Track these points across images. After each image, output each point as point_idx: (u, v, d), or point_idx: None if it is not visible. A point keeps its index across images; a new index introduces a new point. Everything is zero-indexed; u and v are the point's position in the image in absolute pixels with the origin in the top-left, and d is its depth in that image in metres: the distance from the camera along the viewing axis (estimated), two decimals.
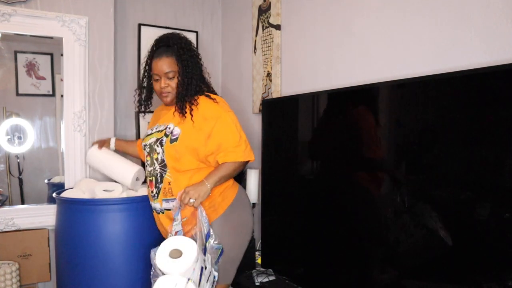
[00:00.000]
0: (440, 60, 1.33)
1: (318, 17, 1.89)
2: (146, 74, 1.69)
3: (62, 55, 2.13)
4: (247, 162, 1.62)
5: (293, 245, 1.87)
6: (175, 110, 1.60)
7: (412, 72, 1.41)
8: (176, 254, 1.35)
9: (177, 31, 1.69)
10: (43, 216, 2.10)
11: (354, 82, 1.66)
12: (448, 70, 1.26)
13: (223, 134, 1.55)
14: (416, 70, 1.40)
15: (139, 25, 2.46)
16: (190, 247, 1.35)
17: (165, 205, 1.59)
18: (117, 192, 1.81)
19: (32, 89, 2.32)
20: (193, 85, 1.60)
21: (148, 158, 1.63)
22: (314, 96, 1.76)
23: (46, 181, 2.34)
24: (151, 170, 1.62)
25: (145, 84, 1.72)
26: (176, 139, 1.55)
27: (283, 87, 2.13)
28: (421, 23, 1.40)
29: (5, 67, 2.26)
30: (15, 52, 2.27)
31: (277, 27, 2.15)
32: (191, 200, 1.47)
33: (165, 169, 1.57)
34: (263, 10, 2.26)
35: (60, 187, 2.12)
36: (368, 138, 1.52)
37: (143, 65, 1.69)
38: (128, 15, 2.45)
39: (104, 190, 1.81)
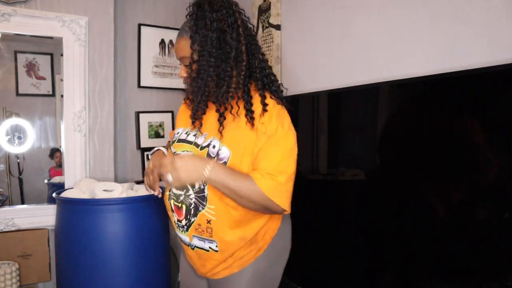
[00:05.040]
0: (440, 60, 1.33)
1: (318, 17, 1.89)
2: None
3: (62, 55, 2.13)
4: (275, 211, 1.15)
5: (293, 245, 1.87)
6: (219, 115, 1.15)
7: (412, 72, 1.41)
8: None
9: None
10: (43, 216, 2.10)
11: (354, 82, 1.66)
12: (448, 70, 1.26)
13: (273, 152, 1.12)
14: (416, 70, 1.40)
15: (139, 25, 2.46)
16: None
17: (198, 243, 1.22)
18: (117, 192, 1.81)
19: (32, 89, 2.31)
20: (222, 76, 1.13)
21: None
22: (314, 96, 1.76)
23: (46, 181, 2.34)
24: (179, 195, 1.21)
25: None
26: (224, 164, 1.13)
27: (283, 87, 2.13)
28: (421, 23, 1.40)
29: (5, 67, 2.25)
30: (15, 52, 2.27)
31: (277, 27, 2.15)
32: (169, 178, 1.07)
33: (203, 203, 1.16)
34: (263, 10, 2.26)
35: (60, 187, 2.12)
36: (367, 137, 1.52)
37: None
38: (128, 15, 2.45)
39: (104, 190, 1.81)
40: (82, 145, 2.13)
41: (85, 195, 1.83)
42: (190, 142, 1.22)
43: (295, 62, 2.05)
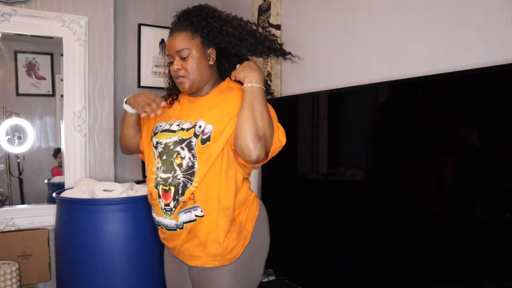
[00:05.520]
0: (440, 60, 1.33)
1: (318, 17, 1.89)
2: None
3: (62, 55, 2.13)
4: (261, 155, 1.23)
5: (293, 244, 1.87)
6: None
7: (412, 72, 1.41)
8: None
9: (204, 3, 1.41)
10: (43, 216, 2.10)
11: (354, 82, 1.66)
12: (448, 70, 1.26)
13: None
14: (416, 70, 1.40)
15: (139, 25, 2.46)
16: None
17: (184, 217, 1.27)
18: (117, 192, 1.82)
19: (32, 89, 2.31)
20: (222, 67, 1.34)
21: (159, 160, 1.31)
22: (314, 96, 1.76)
23: (46, 181, 2.34)
24: (167, 178, 1.27)
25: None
26: (208, 139, 1.24)
27: (283, 87, 2.13)
28: (421, 23, 1.40)
29: (5, 67, 2.26)
30: (15, 52, 2.27)
31: (277, 27, 2.15)
32: (240, 75, 1.25)
33: (192, 178, 1.25)
34: (263, 10, 2.26)
35: (60, 187, 2.12)
36: (367, 137, 1.52)
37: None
38: (128, 15, 2.45)
39: (104, 190, 1.81)
40: (82, 145, 2.13)
41: (85, 195, 1.83)
42: (173, 131, 1.31)
43: (295, 62, 2.05)
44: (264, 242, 1.41)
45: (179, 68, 1.30)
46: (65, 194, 1.84)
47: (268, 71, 2.22)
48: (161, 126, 1.36)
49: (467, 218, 1.17)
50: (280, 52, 1.42)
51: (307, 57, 1.96)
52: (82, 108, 2.12)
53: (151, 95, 1.38)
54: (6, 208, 2.09)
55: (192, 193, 1.25)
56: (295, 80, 2.05)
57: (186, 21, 1.33)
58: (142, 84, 2.47)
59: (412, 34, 1.43)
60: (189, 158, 1.25)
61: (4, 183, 2.26)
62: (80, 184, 1.96)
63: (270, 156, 1.30)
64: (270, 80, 2.20)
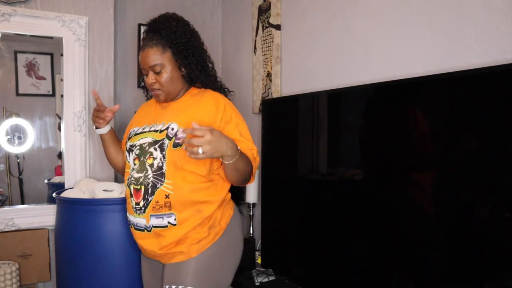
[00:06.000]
0: (440, 60, 1.33)
1: (318, 17, 1.89)
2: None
3: (62, 55, 2.13)
4: (248, 180, 1.37)
5: (293, 245, 1.87)
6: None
7: (412, 72, 1.41)
8: None
9: (171, 12, 1.46)
10: (43, 216, 2.10)
11: (354, 82, 1.66)
12: (448, 70, 1.26)
13: (233, 138, 1.28)
14: (416, 70, 1.40)
15: (139, 25, 2.46)
16: None
17: (155, 221, 1.30)
18: (117, 192, 1.82)
19: (32, 89, 2.31)
20: (189, 79, 1.41)
21: (136, 162, 1.35)
22: (314, 96, 1.76)
23: (46, 181, 2.34)
24: (138, 177, 1.33)
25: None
26: (180, 144, 1.28)
27: (283, 87, 2.13)
28: (421, 23, 1.40)
29: (5, 67, 2.26)
30: (15, 52, 2.27)
31: (277, 27, 2.15)
32: (200, 151, 1.10)
33: (162, 179, 1.29)
34: (263, 10, 2.26)
35: (60, 187, 2.12)
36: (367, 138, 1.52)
37: None
38: (128, 15, 2.45)
39: (104, 190, 1.81)
40: (82, 145, 2.13)
41: (85, 195, 1.83)
42: (145, 131, 1.39)
43: (295, 62, 2.05)
44: (238, 243, 1.44)
45: (153, 82, 1.36)
46: (65, 194, 1.84)
47: (268, 71, 2.22)
48: (134, 130, 1.44)
49: (467, 218, 1.17)
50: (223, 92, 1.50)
51: (307, 57, 1.96)
52: (82, 108, 2.12)
53: (95, 108, 1.52)
54: (6, 208, 2.09)
55: (167, 195, 1.28)
56: (295, 80, 2.05)
57: (155, 33, 1.37)
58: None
59: (412, 34, 1.43)
60: (160, 159, 1.30)
61: (4, 183, 2.26)
62: (80, 184, 1.96)
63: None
64: (270, 81, 2.20)
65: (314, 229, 1.73)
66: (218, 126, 1.29)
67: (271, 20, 2.20)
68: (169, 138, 1.30)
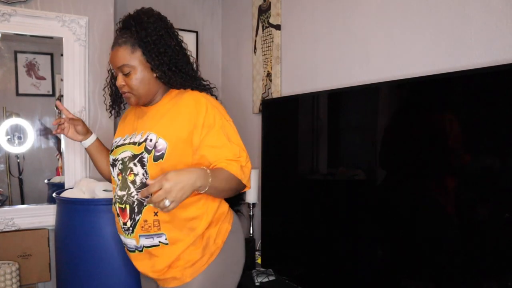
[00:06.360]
0: (440, 60, 1.33)
1: (318, 17, 1.89)
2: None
3: (62, 55, 2.13)
4: (242, 188, 1.23)
5: (293, 245, 1.87)
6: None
7: (412, 72, 1.41)
8: None
9: (147, 7, 1.30)
10: (43, 216, 2.10)
11: (354, 82, 1.66)
12: (448, 70, 1.26)
13: (216, 146, 1.18)
14: (416, 70, 1.40)
15: None
16: None
17: (146, 242, 1.20)
18: None
19: (32, 89, 2.31)
20: (165, 82, 1.24)
21: (120, 177, 1.22)
22: (314, 96, 1.76)
23: (46, 181, 2.34)
24: (122, 196, 1.21)
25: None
26: (162, 156, 1.16)
27: (283, 87, 2.13)
28: (421, 23, 1.40)
29: (5, 67, 2.26)
30: (15, 52, 2.27)
31: (277, 27, 2.15)
32: (166, 203, 0.99)
33: (148, 196, 1.12)
34: (263, 10, 2.26)
35: (60, 187, 2.12)
36: (367, 138, 1.52)
37: None
38: None
39: (104, 190, 1.81)
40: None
41: (85, 195, 1.83)
42: (125, 143, 1.26)
43: (295, 62, 2.05)
44: (238, 260, 1.32)
45: (122, 85, 1.24)
46: (65, 194, 1.84)
47: (268, 71, 2.22)
48: (116, 142, 1.31)
49: (467, 218, 1.17)
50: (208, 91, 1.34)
51: (307, 57, 1.96)
52: (82, 108, 2.12)
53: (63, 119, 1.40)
54: (6, 208, 2.09)
55: (156, 213, 1.17)
56: (295, 80, 2.05)
57: (126, 30, 1.23)
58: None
59: (412, 34, 1.43)
60: (143, 175, 1.17)
61: (4, 183, 2.26)
62: (80, 184, 1.96)
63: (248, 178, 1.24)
64: (270, 81, 2.20)
65: (314, 229, 1.73)
66: (200, 133, 1.18)
67: (271, 20, 2.20)
68: (148, 152, 1.17)
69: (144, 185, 1.17)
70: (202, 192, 1.09)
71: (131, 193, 1.19)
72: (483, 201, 1.13)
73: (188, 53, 1.32)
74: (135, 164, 1.19)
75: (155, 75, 1.24)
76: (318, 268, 1.70)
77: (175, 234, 1.19)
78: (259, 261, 2.09)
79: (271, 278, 1.87)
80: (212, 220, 1.23)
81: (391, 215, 1.39)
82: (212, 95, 1.33)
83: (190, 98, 1.24)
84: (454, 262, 1.20)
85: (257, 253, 2.13)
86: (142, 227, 1.18)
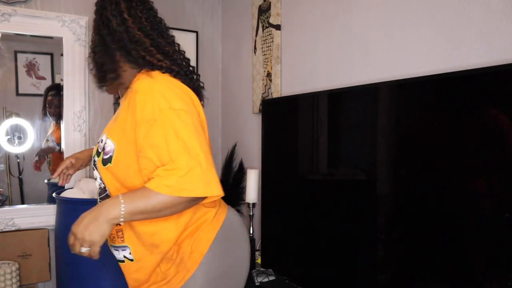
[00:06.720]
0: (440, 60, 1.33)
1: (318, 17, 1.89)
2: None
3: (62, 55, 2.13)
4: (200, 198, 0.98)
5: (293, 245, 1.87)
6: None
7: (412, 72, 1.41)
8: None
9: None
10: (43, 216, 2.10)
11: (354, 82, 1.66)
12: (448, 70, 1.26)
13: (157, 145, 0.96)
14: (416, 70, 1.40)
15: None
16: None
17: (115, 253, 1.11)
18: None
19: (32, 89, 2.31)
20: (107, 61, 1.07)
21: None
22: (314, 96, 1.76)
23: (46, 181, 2.34)
24: (98, 201, 1.14)
25: None
26: (110, 160, 1.02)
27: (283, 87, 2.13)
28: (421, 23, 1.40)
29: (5, 67, 2.25)
30: (15, 52, 2.27)
31: (277, 27, 2.15)
32: (83, 250, 0.91)
33: None
34: (263, 10, 2.26)
35: (60, 187, 2.12)
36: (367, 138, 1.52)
37: None
38: None
39: None
40: (82, 145, 2.14)
41: (85, 195, 1.83)
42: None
43: (295, 62, 2.05)
44: (226, 272, 1.11)
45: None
46: (65, 194, 1.84)
47: (268, 71, 2.22)
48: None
49: (467, 218, 1.17)
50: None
51: (307, 57, 1.96)
52: (82, 108, 2.13)
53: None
54: (6, 208, 2.09)
55: (120, 228, 1.05)
56: (295, 80, 2.05)
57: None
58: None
59: (412, 34, 1.43)
60: (100, 179, 1.08)
61: (4, 183, 2.26)
62: (80, 184, 1.96)
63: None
64: (270, 81, 2.20)
65: (314, 229, 1.73)
66: (141, 130, 0.97)
67: (271, 20, 2.20)
68: (98, 154, 1.07)
69: (103, 190, 1.08)
70: (122, 222, 0.95)
71: (98, 198, 1.13)
72: (483, 201, 1.13)
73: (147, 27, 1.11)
74: (93, 168, 1.11)
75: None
76: (318, 268, 1.70)
77: (139, 248, 1.06)
78: (259, 261, 2.08)
79: (271, 278, 1.87)
80: (182, 232, 1.06)
81: (392, 215, 1.39)
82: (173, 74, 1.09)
83: (135, 84, 1.04)
84: (454, 262, 1.20)
85: (257, 253, 2.13)
86: (109, 236, 1.07)
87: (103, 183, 1.07)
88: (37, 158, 2.30)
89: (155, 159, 0.95)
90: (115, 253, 1.11)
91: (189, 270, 1.05)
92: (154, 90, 0.99)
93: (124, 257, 1.09)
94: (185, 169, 0.92)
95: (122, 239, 1.07)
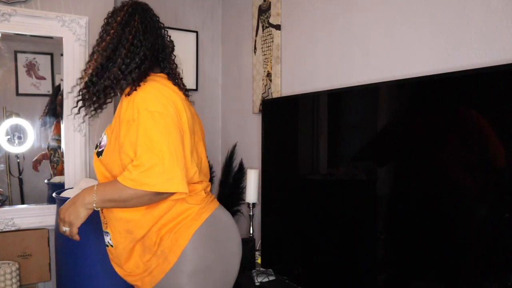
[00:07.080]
0: (440, 60, 1.33)
1: (318, 17, 1.89)
2: None
3: (62, 55, 2.13)
4: (165, 193, 1.08)
5: (293, 245, 1.87)
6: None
7: (412, 72, 1.41)
8: None
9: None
10: (43, 216, 2.10)
11: (354, 82, 1.66)
12: (448, 70, 1.26)
13: (133, 142, 1.07)
14: (416, 70, 1.40)
15: None
16: None
17: (105, 239, 1.26)
18: None
19: (32, 89, 2.31)
20: (106, 70, 1.17)
21: None
22: (314, 96, 1.76)
23: (46, 181, 2.34)
24: None
25: None
26: (101, 153, 1.19)
27: (283, 87, 2.13)
28: (421, 23, 1.40)
29: (5, 67, 2.25)
30: (15, 52, 2.27)
31: (277, 27, 2.15)
32: (64, 229, 1.11)
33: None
34: (263, 10, 2.26)
35: (60, 187, 2.12)
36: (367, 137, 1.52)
37: None
38: None
39: None
40: (82, 145, 2.13)
41: None
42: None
43: (295, 62, 2.05)
44: (209, 267, 1.16)
45: None
46: (65, 194, 1.84)
47: (268, 71, 2.22)
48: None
49: (467, 218, 1.17)
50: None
51: (307, 57, 1.96)
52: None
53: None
54: (6, 208, 2.09)
55: (103, 214, 1.21)
56: (295, 80, 2.05)
57: None
58: None
59: (412, 34, 1.43)
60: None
61: (4, 183, 2.26)
62: (80, 184, 1.96)
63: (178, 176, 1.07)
64: (270, 81, 2.20)
65: (314, 229, 1.73)
66: (123, 129, 1.11)
67: (271, 20, 2.20)
68: (95, 147, 1.25)
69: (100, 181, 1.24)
70: (96, 208, 1.12)
71: None
72: (482, 201, 1.13)
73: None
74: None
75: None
76: (318, 268, 1.70)
77: (116, 234, 1.18)
78: (259, 261, 2.08)
79: (271, 278, 1.87)
80: (158, 223, 1.14)
81: (392, 215, 1.39)
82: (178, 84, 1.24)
83: (126, 104, 1.16)
84: (454, 262, 1.20)
85: (257, 253, 2.13)
86: (102, 220, 1.24)
87: (96, 174, 1.23)
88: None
89: (132, 154, 1.09)
90: (105, 239, 1.24)
91: (170, 263, 1.12)
92: (138, 94, 1.12)
93: (108, 242, 1.23)
94: (146, 165, 1.03)
95: (106, 225, 1.21)
